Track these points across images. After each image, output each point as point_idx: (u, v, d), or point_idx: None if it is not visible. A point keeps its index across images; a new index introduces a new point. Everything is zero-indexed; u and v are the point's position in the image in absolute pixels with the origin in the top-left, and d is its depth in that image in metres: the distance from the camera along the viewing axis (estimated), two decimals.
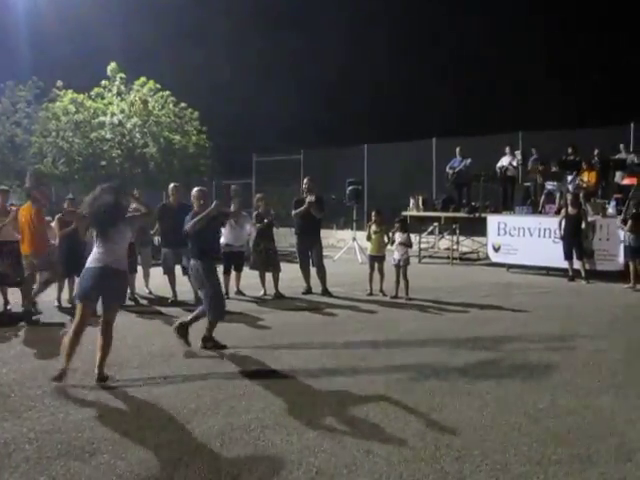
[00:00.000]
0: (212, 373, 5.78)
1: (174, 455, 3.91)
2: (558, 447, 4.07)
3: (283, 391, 5.20)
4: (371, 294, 10.58)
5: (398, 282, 10.35)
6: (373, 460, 3.86)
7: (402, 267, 10.33)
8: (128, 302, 9.64)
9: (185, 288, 9.95)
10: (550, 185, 15.41)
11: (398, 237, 10.45)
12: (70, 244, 9.33)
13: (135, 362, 6.15)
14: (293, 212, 10.81)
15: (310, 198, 10.56)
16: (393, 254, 10.49)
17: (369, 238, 10.80)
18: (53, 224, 9.72)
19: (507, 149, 16.79)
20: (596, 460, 3.89)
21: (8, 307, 8.94)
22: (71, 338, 5.46)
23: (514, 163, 16.52)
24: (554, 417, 4.64)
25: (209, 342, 6.71)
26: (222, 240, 10.56)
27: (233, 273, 10.53)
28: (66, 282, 9.52)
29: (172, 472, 3.68)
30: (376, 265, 10.65)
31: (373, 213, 10.85)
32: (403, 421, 4.52)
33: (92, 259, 5.56)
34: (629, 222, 11.65)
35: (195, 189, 7.37)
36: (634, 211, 11.74)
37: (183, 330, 6.76)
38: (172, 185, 10.26)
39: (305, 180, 11.19)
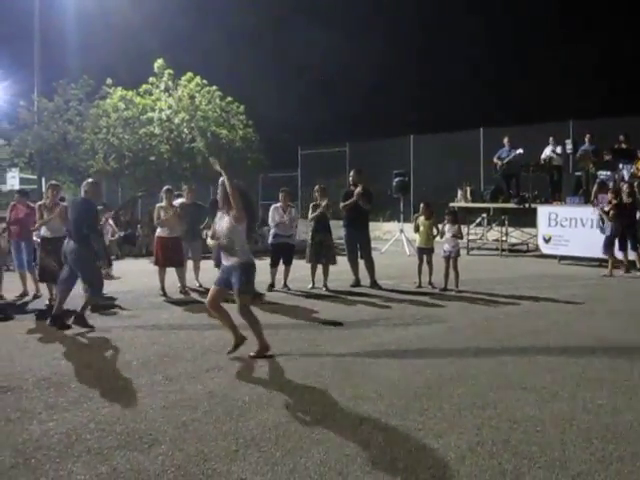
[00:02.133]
0: (263, 366, 5.82)
1: (231, 447, 3.96)
2: (619, 444, 3.97)
3: (337, 385, 5.21)
4: (420, 286, 10.51)
5: (447, 274, 10.25)
6: (429, 455, 3.83)
7: (452, 259, 10.23)
8: (179, 295, 9.86)
9: None
10: (603, 174, 15.01)
11: (448, 229, 10.33)
12: None
13: (188, 355, 6.24)
14: (341, 204, 10.79)
15: (357, 190, 10.53)
16: (443, 246, 10.39)
17: (417, 230, 10.71)
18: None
19: (550, 139, 16.43)
20: None
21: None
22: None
23: (557, 151, 16.14)
24: (614, 413, 4.52)
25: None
26: (271, 231, 10.66)
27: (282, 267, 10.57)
28: None
29: (229, 464, 3.73)
30: (425, 257, 10.56)
31: (422, 205, 10.74)
32: (458, 416, 4.48)
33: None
34: None
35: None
36: None
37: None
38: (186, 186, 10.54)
39: (352, 172, 11.14)
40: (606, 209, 12.57)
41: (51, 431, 4.24)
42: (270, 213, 10.63)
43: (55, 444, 4.03)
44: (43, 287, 9.58)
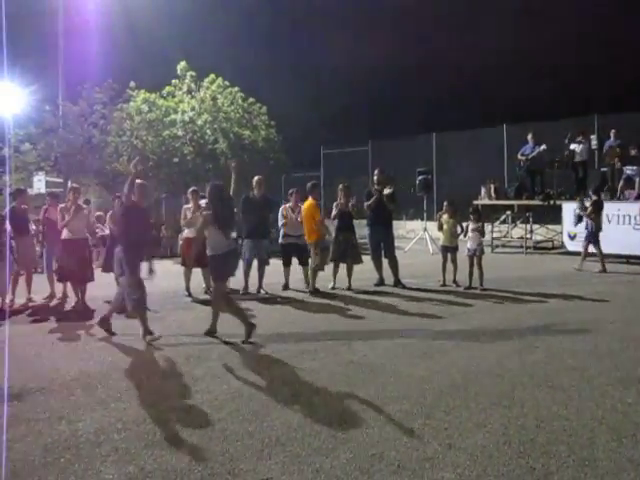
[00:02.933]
0: (287, 365, 5.83)
1: (256, 446, 3.97)
2: None
3: (361, 385, 5.20)
4: (444, 285, 10.46)
5: (472, 272, 10.19)
6: (455, 454, 3.81)
7: (477, 257, 10.15)
8: (204, 296, 9.90)
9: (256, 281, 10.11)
10: (629, 170, 14.80)
11: (472, 225, 10.26)
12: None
13: (214, 354, 6.28)
14: (365, 204, 10.76)
15: (387, 191, 10.48)
16: (467, 244, 10.32)
17: (440, 228, 10.65)
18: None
19: (580, 136, 16.19)
20: None
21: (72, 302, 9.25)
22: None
23: (582, 145, 15.92)
24: None
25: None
26: (280, 231, 10.67)
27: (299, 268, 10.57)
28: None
29: (255, 463, 3.74)
30: (449, 256, 10.51)
31: (445, 203, 10.68)
32: (484, 414, 4.45)
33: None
34: None
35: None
36: None
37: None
38: (257, 178, 10.38)
39: (375, 172, 11.10)
40: (583, 208, 12.80)
41: (79, 431, 4.29)
42: (279, 214, 10.65)
43: (83, 444, 4.08)
44: (69, 288, 9.68)
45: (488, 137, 20.63)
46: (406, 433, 4.15)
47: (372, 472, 3.61)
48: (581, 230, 13.99)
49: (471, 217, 10.38)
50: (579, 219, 12.97)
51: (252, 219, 10.00)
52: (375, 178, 10.94)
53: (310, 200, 10.26)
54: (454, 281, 10.44)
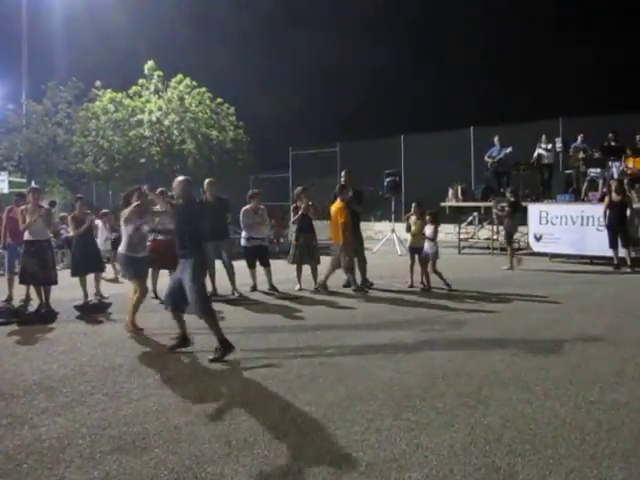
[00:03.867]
0: (257, 367, 5.81)
1: (224, 449, 3.94)
2: (612, 441, 3.98)
3: (328, 386, 5.20)
4: (412, 286, 10.51)
5: (427, 274, 10.20)
6: (423, 454, 3.83)
7: (431, 260, 10.19)
8: None
9: (225, 283, 10.07)
10: (593, 172, 15.08)
11: (427, 229, 10.29)
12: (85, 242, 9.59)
13: (180, 357, 6.22)
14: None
15: (349, 193, 10.51)
16: (424, 246, 10.31)
17: (408, 230, 10.71)
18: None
19: (543, 137, 16.46)
20: None
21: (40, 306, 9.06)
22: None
23: (548, 147, 16.18)
24: (605, 410, 4.54)
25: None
26: (243, 234, 10.64)
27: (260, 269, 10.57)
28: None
29: (222, 466, 3.71)
30: (416, 257, 10.56)
31: (413, 205, 10.73)
32: (451, 414, 4.48)
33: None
34: None
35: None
36: None
37: None
38: (207, 181, 10.33)
39: (342, 173, 11.12)
40: (500, 208, 13.61)
41: (43, 436, 4.21)
42: (241, 216, 10.59)
43: (47, 449, 4.00)
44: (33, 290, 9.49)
45: (455, 139, 20.83)
46: (374, 433, 4.16)
47: (340, 473, 3.61)
48: (546, 231, 14.26)
49: (427, 218, 10.36)
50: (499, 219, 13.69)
51: (208, 221, 9.93)
52: (342, 180, 10.96)
53: (338, 202, 10.21)
54: (422, 282, 10.50)
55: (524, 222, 14.60)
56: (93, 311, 8.80)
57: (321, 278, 10.32)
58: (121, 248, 7.72)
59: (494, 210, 14.00)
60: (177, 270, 6.44)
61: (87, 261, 9.51)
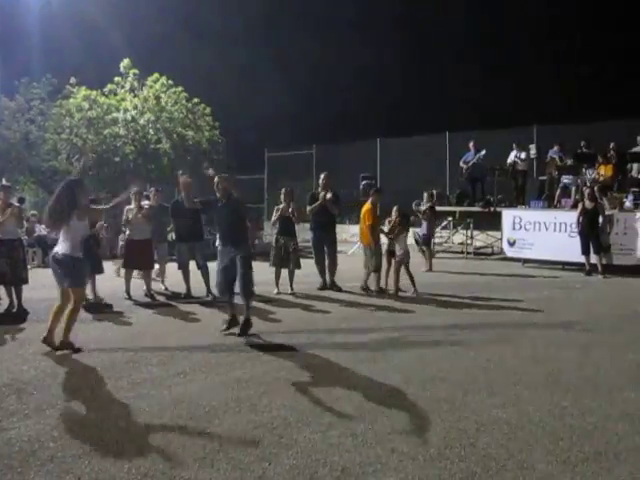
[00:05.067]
0: (232, 370, 5.77)
1: (198, 454, 3.90)
2: (584, 445, 4.03)
3: (304, 389, 5.19)
4: (386, 289, 10.54)
5: (397, 278, 10.26)
6: (398, 459, 3.83)
7: (405, 263, 10.24)
8: (145, 299, 9.70)
9: (199, 285, 9.99)
10: (566, 179, 15.29)
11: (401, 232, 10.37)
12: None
13: (154, 359, 6.15)
14: (308, 208, 10.77)
15: (328, 195, 10.51)
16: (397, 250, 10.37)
17: (390, 232, 10.77)
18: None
19: (514, 145, 16.65)
20: (624, 458, 3.84)
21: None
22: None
23: (522, 156, 16.37)
24: (578, 415, 4.58)
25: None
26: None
27: None
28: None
29: (197, 471, 3.67)
30: (392, 260, 10.60)
31: (394, 210, 10.65)
32: (426, 419, 4.49)
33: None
34: None
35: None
36: None
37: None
38: (182, 181, 10.22)
39: (322, 176, 11.08)
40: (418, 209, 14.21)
41: (12, 439, 4.13)
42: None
43: (17, 453, 3.92)
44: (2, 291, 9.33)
45: (431, 144, 20.97)
46: (349, 437, 4.15)
47: (316, 477, 3.59)
48: (519, 237, 14.42)
49: (397, 220, 10.42)
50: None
51: (182, 222, 9.93)
52: (321, 182, 10.94)
53: (367, 203, 10.45)
54: (396, 286, 10.57)
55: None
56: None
57: (362, 284, 10.50)
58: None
59: (415, 208, 14.22)
60: (224, 260, 7.22)
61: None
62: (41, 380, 5.45)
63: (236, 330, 7.15)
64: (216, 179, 7.46)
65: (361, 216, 10.56)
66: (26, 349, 6.57)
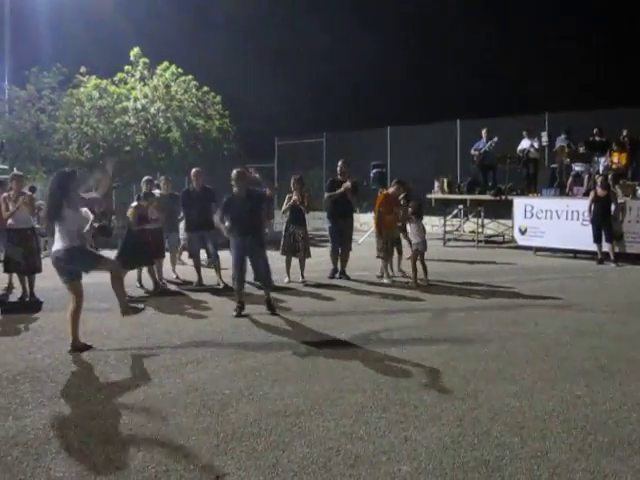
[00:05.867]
0: (244, 358, 5.78)
1: (212, 442, 3.92)
2: (598, 434, 4.01)
3: (316, 377, 5.19)
4: (389, 276, 10.55)
5: (415, 267, 10.19)
6: (412, 447, 3.83)
7: (421, 252, 10.17)
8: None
9: (211, 272, 10.02)
10: (578, 167, 15.17)
11: (414, 222, 10.31)
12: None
13: (166, 348, 6.18)
14: (327, 194, 10.71)
15: (347, 184, 10.42)
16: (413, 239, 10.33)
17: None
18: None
19: (524, 133, 16.51)
20: (639, 448, 3.82)
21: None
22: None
23: (535, 145, 16.23)
24: (592, 404, 4.57)
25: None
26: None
27: None
28: None
29: (211, 459, 3.69)
30: (395, 247, 10.72)
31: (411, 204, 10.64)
32: (439, 407, 4.49)
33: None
34: None
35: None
36: None
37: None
38: (194, 170, 10.26)
39: (340, 163, 10.90)
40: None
41: (27, 427, 4.16)
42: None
43: (32, 440, 3.96)
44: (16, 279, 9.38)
45: (442, 132, 20.84)
46: (362, 426, 4.15)
47: (329, 466, 3.60)
48: (531, 225, 14.34)
49: (410, 210, 10.37)
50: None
51: (194, 212, 9.92)
52: (339, 169, 10.82)
53: (385, 192, 10.64)
54: (400, 270, 10.60)
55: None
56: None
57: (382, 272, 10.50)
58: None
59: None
60: (239, 249, 7.75)
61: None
62: (55, 368, 5.49)
63: (268, 311, 7.82)
64: (233, 174, 7.90)
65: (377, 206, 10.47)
66: (40, 338, 6.62)
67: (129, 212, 9.60)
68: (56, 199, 6.13)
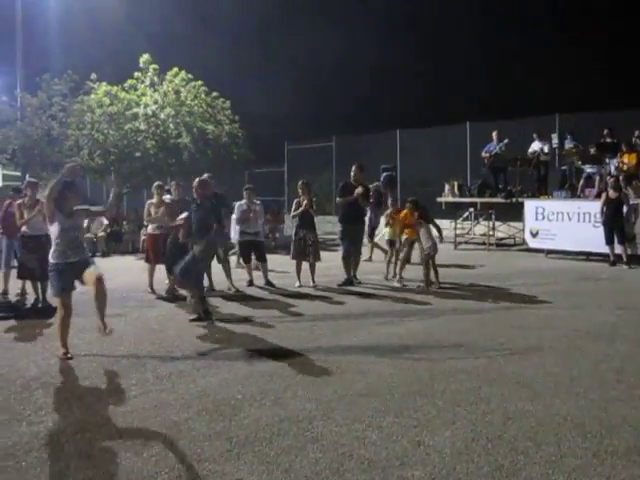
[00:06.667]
0: (256, 363, 5.78)
1: (224, 447, 3.91)
2: (613, 439, 3.98)
3: (328, 382, 5.18)
4: (387, 279, 10.73)
5: (427, 273, 10.15)
6: (425, 452, 3.81)
7: (432, 256, 10.13)
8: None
9: (220, 278, 10.04)
10: (589, 168, 15.09)
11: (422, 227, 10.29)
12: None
13: (178, 353, 6.19)
14: (339, 199, 10.68)
15: (358, 190, 10.34)
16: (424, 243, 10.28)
17: (388, 224, 11.16)
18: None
19: (535, 135, 16.44)
20: None
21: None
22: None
23: (545, 149, 16.15)
24: (606, 408, 4.53)
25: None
26: (237, 228, 10.62)
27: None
28: None
29: (223, 464, 3.69)
30: (395, 250, 10.92)
31: (408, 201, 10.65)
32: (451, 412, 4.47)
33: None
34: None
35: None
36: None
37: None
38: (205, 175, 10.31)
39: (353, 168, 10.77)
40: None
41: (41, 433, 4.17)
42: (235, 211, 10.60)
43: (45, 446, 3.97)
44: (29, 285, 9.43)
45: (452, 135, 20.80)
46: (375, 431, 4.14)
47: (342, 471, 3.59)
48: (542, 227, 14.28)
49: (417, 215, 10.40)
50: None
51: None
52: (353, 174, 10.70)
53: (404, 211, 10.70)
54: (400, 276, 10.64)
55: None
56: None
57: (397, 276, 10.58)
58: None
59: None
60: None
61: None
62: (68, 374, 5.51)
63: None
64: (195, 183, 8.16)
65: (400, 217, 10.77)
66: (53, 343, 6.61)
67: (180, 223, 8.80)
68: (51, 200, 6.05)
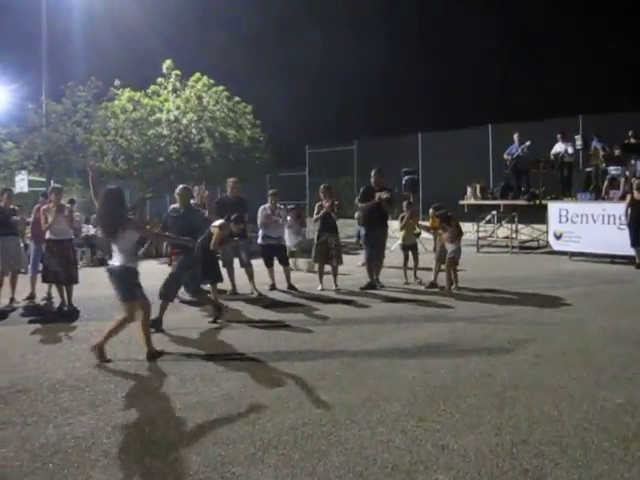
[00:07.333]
0: (279, 366, 5.80)
1: (248, 450, 3.93)
2: None
3: (351, 386, 5.18)
4: (407, 283, 10.72)
5: (450, 276, 10.10)
6: (449, 456, 3.79)
7: (455, 260, 10.08)
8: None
9: (244, 281, 10.08)
10: (614, 170, 14.90)
11: (447, 233, 10.24)
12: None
13: (201, 356, 6.23)
14: (360, 204, 10.66)
15: (384, 195, 10.30)
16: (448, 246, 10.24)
17: (402, 228, 11.24)
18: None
19: (559, 136, 16.26)
20: None
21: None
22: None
23: (570, 150, 15.98)
24: (633, 413, 4.47)
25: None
26: (260, 232, 10.67)
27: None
28: None
29: (248, 467, 3.70)
30: (410, 254, 10.98)
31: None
32: (476, 416, 4.44)
33: None
34: None
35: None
36: None
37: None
38: (232, 180, 10.45)
39: (373, 173, 10.73)
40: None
41: (68, 435, 4.23)
42: (259, 215, 10.65)
43: (72, 448, 4.02)
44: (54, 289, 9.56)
45: (474, 137, 20.67)
46: (399, 435, 4.13)
47: (366, 475, 3.59)
48: (566, 230, 14.13)
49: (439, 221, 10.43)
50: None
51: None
52: (373, 179, 10.66)
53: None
54: (415, 277, 10.76)
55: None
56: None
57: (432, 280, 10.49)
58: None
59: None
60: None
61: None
62: (93, 377, 5.57)
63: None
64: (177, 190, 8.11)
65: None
66: (79, 346, 6.72)
67: (214, 231, 8.58)
68: (117, 216, 6.04)
